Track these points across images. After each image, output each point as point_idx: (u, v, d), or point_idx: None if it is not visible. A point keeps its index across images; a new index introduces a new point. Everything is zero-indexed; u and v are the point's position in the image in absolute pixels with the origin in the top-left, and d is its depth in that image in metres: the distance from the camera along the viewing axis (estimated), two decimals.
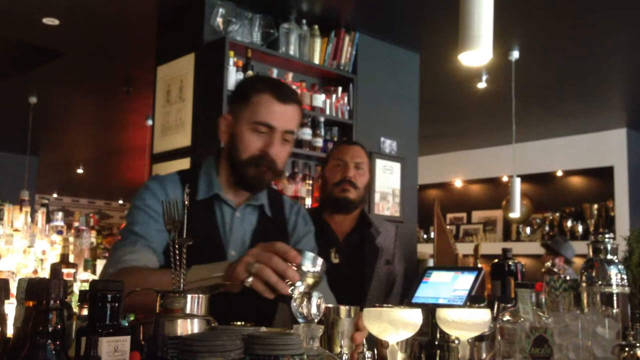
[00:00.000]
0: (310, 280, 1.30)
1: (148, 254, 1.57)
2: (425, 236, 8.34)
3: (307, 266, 1.30)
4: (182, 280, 1.17)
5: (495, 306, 1.66)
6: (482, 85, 5.47)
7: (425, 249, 5.19)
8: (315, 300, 1.05)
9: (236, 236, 1.69)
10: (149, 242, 1.58)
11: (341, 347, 1.30)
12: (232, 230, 1.69)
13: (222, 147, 1.76)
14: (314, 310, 1.05)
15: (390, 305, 1.33)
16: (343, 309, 1.35)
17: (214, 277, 1.33)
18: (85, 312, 1.37)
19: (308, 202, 4.01)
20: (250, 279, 1.27)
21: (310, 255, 1.31)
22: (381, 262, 2.39)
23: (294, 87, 4.14)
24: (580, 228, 7.38)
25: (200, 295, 1.11)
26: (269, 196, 1.80)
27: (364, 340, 1.34)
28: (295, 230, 1.82)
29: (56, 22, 4.45)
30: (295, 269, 1.28)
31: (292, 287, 1.26)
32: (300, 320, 1.05)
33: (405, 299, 2.24)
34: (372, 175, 2.59)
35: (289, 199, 1.91)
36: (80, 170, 10.45)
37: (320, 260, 1.33)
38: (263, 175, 1.66)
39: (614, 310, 1.62)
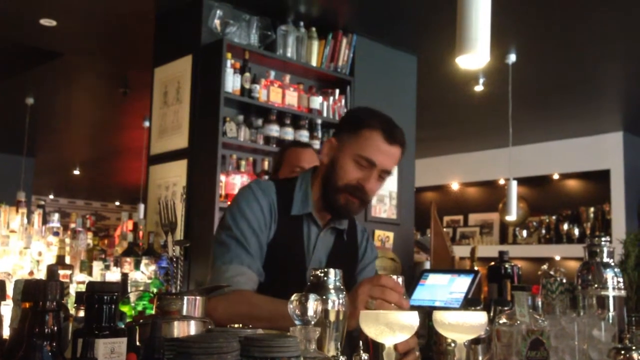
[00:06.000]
0: None
1: (253, 274, 1.66)
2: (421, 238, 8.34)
3: None
4: (178, 281, 1.17)
5: (492, 309, 1.66)
6: (479, 88, 5.48)
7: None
8: (312, 302, 1.05)
9: (317, 255, 1.77)
10: (254, 259, 1.67)
11: (337, 349, 1.30)
12: (315, 249, 1.77)
13: (318, 167, 1.82)
14: (310, 312, 1.04)
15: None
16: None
17: None
18: (81, 313, 1.37)
19: None
20: None
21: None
22: None
23: (291, 89, 4.14)
24: (576, 231, 7.38)
25: (197, 297, 1.11)
26: (349, 221, 1.88)
27: (360, 342, 1.34)
28: (364, 257, 1.91)
29: (53, 23, 4.45)
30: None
31: None
32: (296, 322, 1.05)
33: None
34: None
35: (360, 225, 1.98)
36: (76, 172, 10.42)
37: None
38: (353, 206, 1.72)
39: (610, 313, 1.63)
